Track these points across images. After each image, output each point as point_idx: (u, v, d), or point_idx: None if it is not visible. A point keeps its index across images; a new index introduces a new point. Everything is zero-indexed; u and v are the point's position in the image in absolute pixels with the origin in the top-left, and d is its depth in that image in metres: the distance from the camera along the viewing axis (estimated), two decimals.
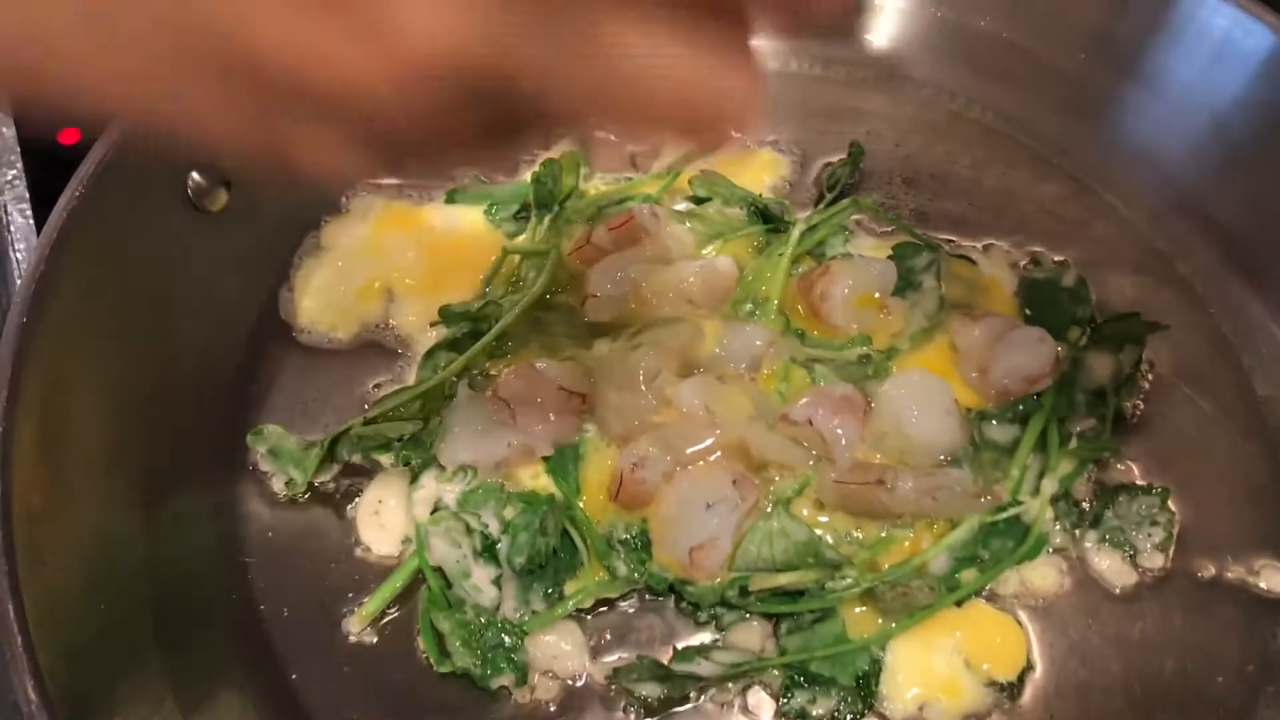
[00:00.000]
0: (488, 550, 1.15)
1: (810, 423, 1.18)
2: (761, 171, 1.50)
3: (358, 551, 1.20)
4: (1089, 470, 1.26)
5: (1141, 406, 1.32)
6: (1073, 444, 1.26)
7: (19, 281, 1.28)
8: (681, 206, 1.44)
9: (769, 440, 1.19)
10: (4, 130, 1.58)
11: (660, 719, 1.11)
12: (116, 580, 1.11)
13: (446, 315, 1.31)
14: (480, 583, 1.13)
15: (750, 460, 1.19)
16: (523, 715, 1.11)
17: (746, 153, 1.52)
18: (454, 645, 1.12)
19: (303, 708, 1.12)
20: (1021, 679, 1.14)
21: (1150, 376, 1.34)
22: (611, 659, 1.14)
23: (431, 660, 1.12)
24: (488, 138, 0.64)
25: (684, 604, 1.16)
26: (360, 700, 1.12)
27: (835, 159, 1.50)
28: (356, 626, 1.15)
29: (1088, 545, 1.22)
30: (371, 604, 1.15)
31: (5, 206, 1.51)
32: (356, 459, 1.24)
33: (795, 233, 1.35)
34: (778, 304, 1.31)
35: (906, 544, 1.18)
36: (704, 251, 1.37)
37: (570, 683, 1.13)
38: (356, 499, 1.23)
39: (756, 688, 1.13)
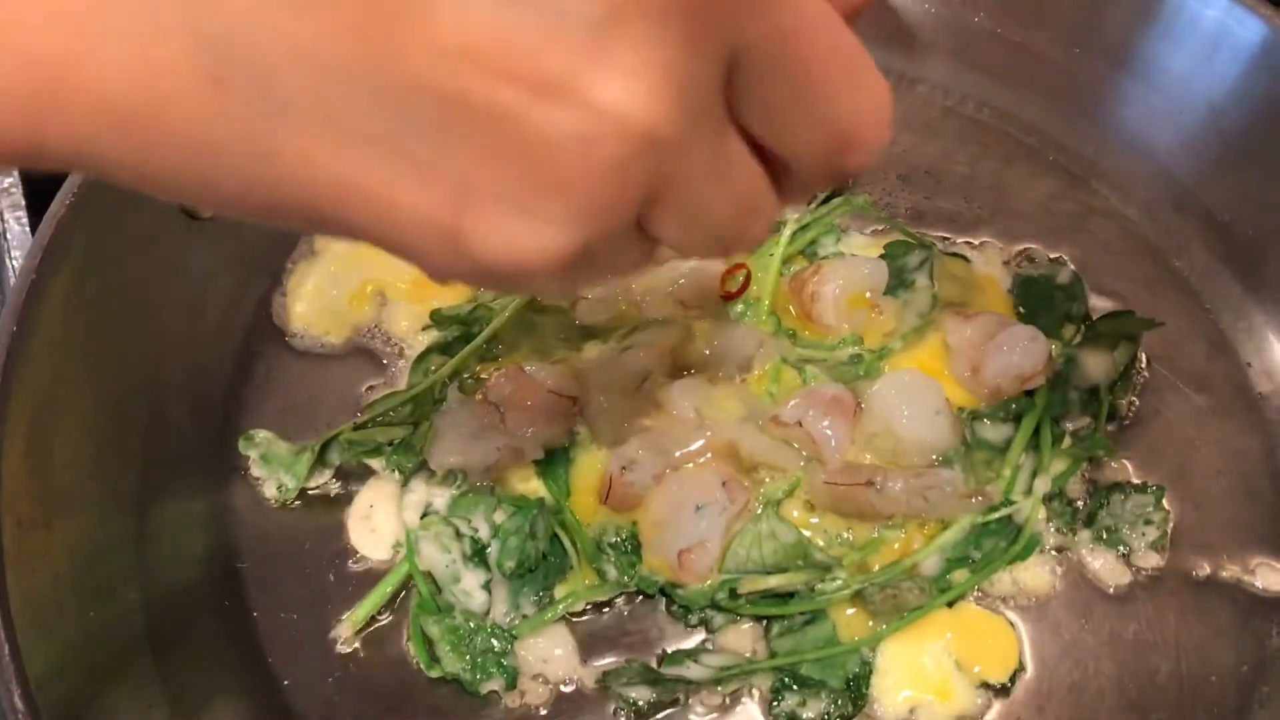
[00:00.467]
0: (477, 555, 1.15)
1: (800, 424, 1.18)
2: None
3: (350, 557, 1.21)
4: (1082, 469, 1.25)
5: (1136, 404, 1.31)
6: (1066, 443, 1.25)
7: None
8: None
9: (759, 442, 1.19)
10: None
11: None
12: (107, 587, 1.11)
13: (437, 319, 1.32)
14: (470, 587, 1.14)
15: (740, 462, 1.19)
16: None
17: None
18: (444, 650, 1.12)
19: (295, 714, 1.13)
20: (1013, 680, 1.14)
21: (1145, 374, 1.33)
22: (602, 662, 1.14)
23: (422, 665, 1.13)
24: None
25: (674, 607, 1.16)
26: (352, 706, 1.13)
27: None
28: (348, 632, 1.16)
29: (1081, 545, 1.21)
30: (362, 609, 1.16)
31: (2, 214, 1.51)
32: (348, 463, 1.24)
33: (786, 232, 1.34)
34: (769, 304, 1.31)
35: (897, 545, 1.17)
36: None
37: (561, 687, 1.13)
38: (348, 504, 1.23)
39: (747, 690, 1.13)
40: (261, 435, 1.24)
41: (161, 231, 1.29)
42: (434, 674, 1.12)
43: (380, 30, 0.42)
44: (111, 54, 0.45)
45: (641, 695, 1.11)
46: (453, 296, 1.35)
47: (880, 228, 1.42)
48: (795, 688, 1.11)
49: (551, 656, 1.14)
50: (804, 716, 1.11)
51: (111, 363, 1.21)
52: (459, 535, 1.15)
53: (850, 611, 1.15)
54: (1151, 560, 1.21)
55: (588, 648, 1.15)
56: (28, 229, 1.49)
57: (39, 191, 1.52)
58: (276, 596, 1.19)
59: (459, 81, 0.43)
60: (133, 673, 1.09)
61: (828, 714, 1.11)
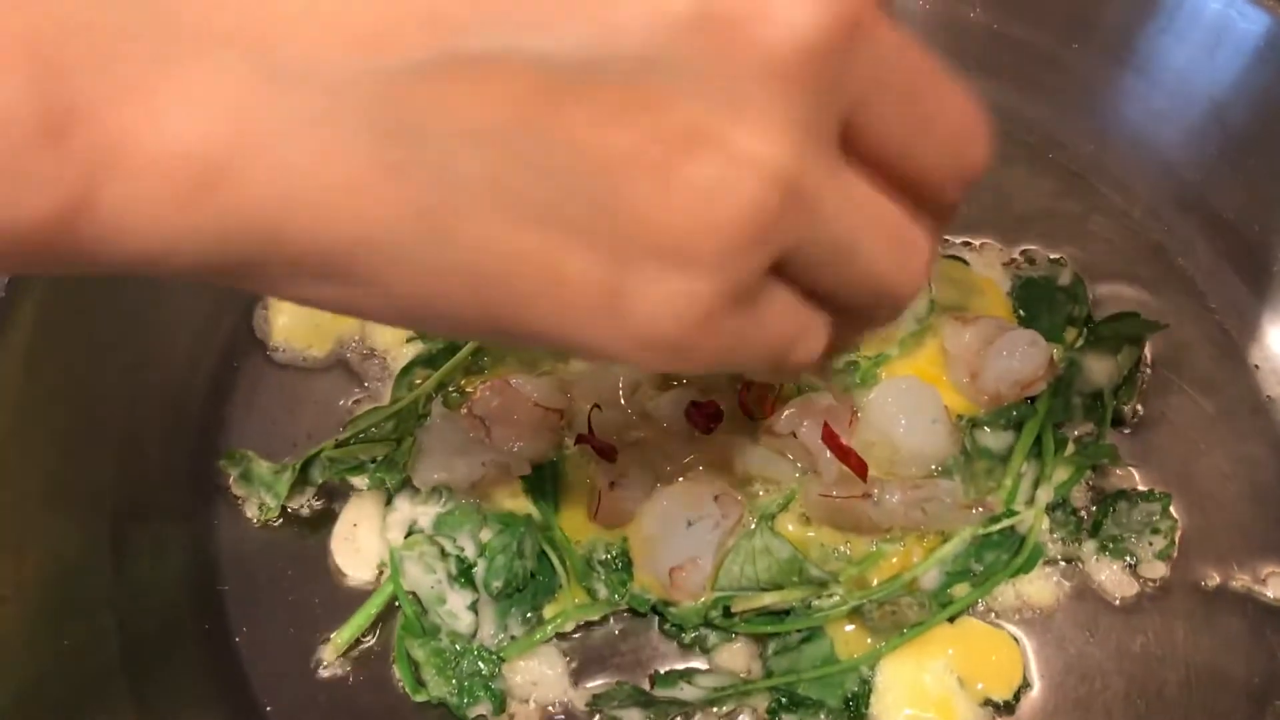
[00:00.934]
0: (464, 574, 1.12)
1: (795, 434, 1.14)
2: None
3: (333, 577, 1.18)
4: (1086, 477, 1.21)
5: (1141, 409, 1.27)
6: (1069, 450, 1.22)
7: None
8: None
9: (752, 454, 1.16)
10: None
11: None
12: (81, 612, 1.08)
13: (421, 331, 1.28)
14: (456, 609, 1.11)
15: (733, 475, 1.16)
16: None
17: None
18: (429, 674, 1.09)
19: None
20: (1018, 697, 1.11)
21: (1149, 378, 1.29)
22: (593, 684, 1.11)
23: (407, 689, 1.09)
24: None
25: (667, 626, 1.13)
26: None
27: None
28: (331, 655, 1.13)
29: (1086, 555, 1.17)
30: (346, 632, 1.12)
31: None
32: (331, 480, 1.21)
33: None
34: None
35: (896, 559, 1.14)
36: None
37: (550, 710, 1.10)
38: (332, 523, 1.20)
39: (743, 711, 1.10)
40: (242, 453, 1.21)
41: None
42: (420, 698, 1.09)
43: (545, 100, 0.45)
44: (287, 151, 0.46)
45: (633, 718, 1.08)
46: None
47: None
48: (792, 708, 1.08)
49: (541, 679, 1.10)
50: None
51: (85, 378, 1.18)
52: (444, 554, 1.12)
53: (848, 628, 1.12)
54: (1158, 570, 1.17)
55: (578, 669, 1.12)
56: None
57: None
58: (258, 619, 1.15)
59: (614, 143, 0.46)
60: (108, 699, 1.06)
61: None
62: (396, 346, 1.31)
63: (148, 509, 1.19)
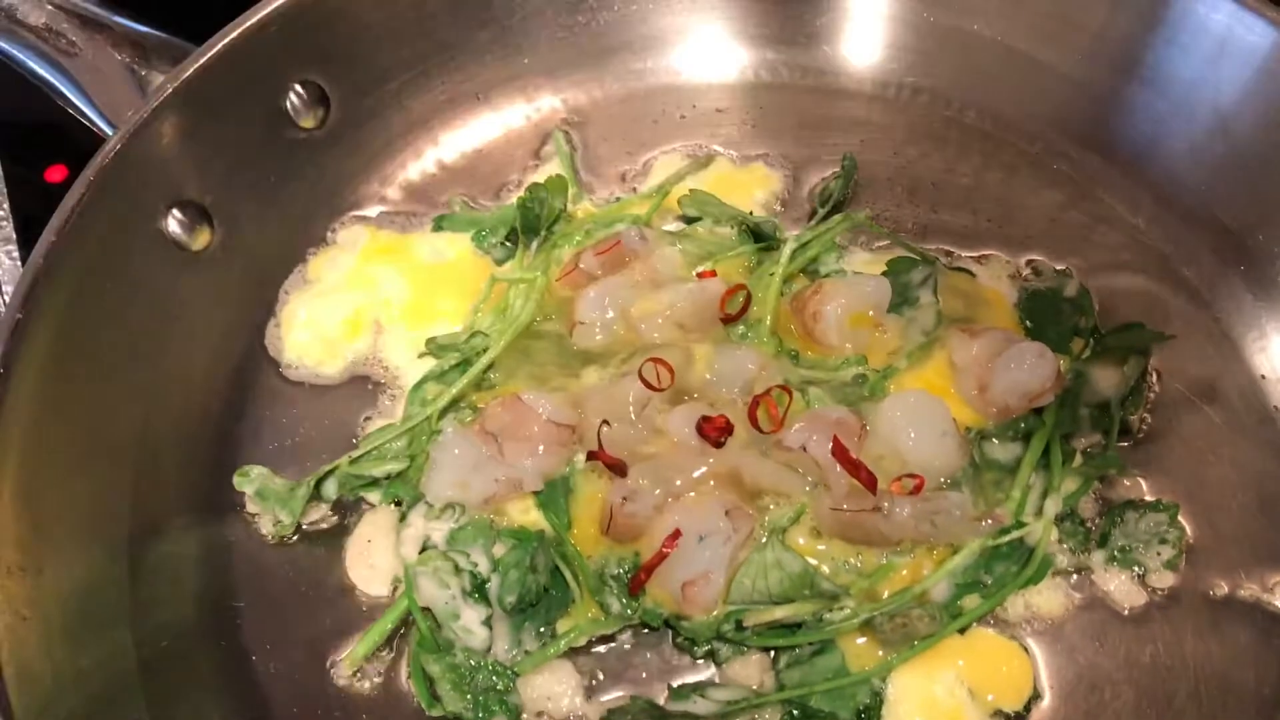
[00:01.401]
0: (477, 590, 1.12)
1: (804, 448, 1.15)
2: (752, 187, 1.46)
3: (348, 593, 1.19)
4: (1094, 488, 1.22)
5: (1148, 419, 1.28)
6: (1077, 461, 1.22)
7: None
8: (671, 227, 1.42)
9: (763, 468, 1.17)
10: None
11: None
12: (99, 630, 1.09)
13: (433, 347, 1.29)
14: (470, 624, 1.11)
15: (744, 489, 1.16)
16: None
17: (737, 169, 1.49)
18: (444, 689, 1.10)
19: None
20: (1028, 708, 1.11)
21: (1156, 388, 1.30)
22: (607, 698, 1.12)
23: (423, 704, 1.10)
24: None
25: (680, 639, 1.14)
26: None
27: (828, 172, 1.47)
28: (347, 670, 1.13)
29: (1095, 566, 1.18)
30: (361, 647, 1.13)
31: None
32: (345, 497, 1.22)
33: (786, 251, 1.32)
34: (770, 325, 1.28)
35: (906, 571, 1.14)
36: (694, 272, 1.34)
37: None
38: (346, 539, 1.21)
39: None
40: (256, 471, 1.22)
41: (153, 264, 1.27)
42: (435, 713, 1.10)
43: None
44: None
45: None
46: (448, 323, 1.33)
47: (882, 243, 1.40)
48: None
49: (554, 693, 1.11)
50: None
51: (102, 403, 1.19)
52: (458, 570, 1.13)
53: (860, 641, 1.12)
54: (1167, 580, 1.18)
55: (592, 683, 1.13)
56: (19, 263, 1.48)
57: (31, 224, 1.51)
58: (273, 635, 1.16)
59: None
60: (126, 715, 1.07)
61: None
62: (409, 362, 1.32)
63: (163, 527, 1.20)
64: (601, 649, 1.15)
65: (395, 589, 1.18)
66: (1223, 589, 1.18)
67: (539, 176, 1.46)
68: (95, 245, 1.20)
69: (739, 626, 1.12)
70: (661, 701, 1.10)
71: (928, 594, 1.13)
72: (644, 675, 1.14)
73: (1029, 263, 1.39)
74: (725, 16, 1.58)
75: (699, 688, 1.10)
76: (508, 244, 1.40)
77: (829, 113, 1.54)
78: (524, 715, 1.10)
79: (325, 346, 1.34)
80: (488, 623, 1.12)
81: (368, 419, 1.29)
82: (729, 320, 1.27)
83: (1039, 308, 1.33)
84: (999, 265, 1.38)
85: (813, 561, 1.13)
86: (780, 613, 1.11)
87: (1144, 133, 1.44)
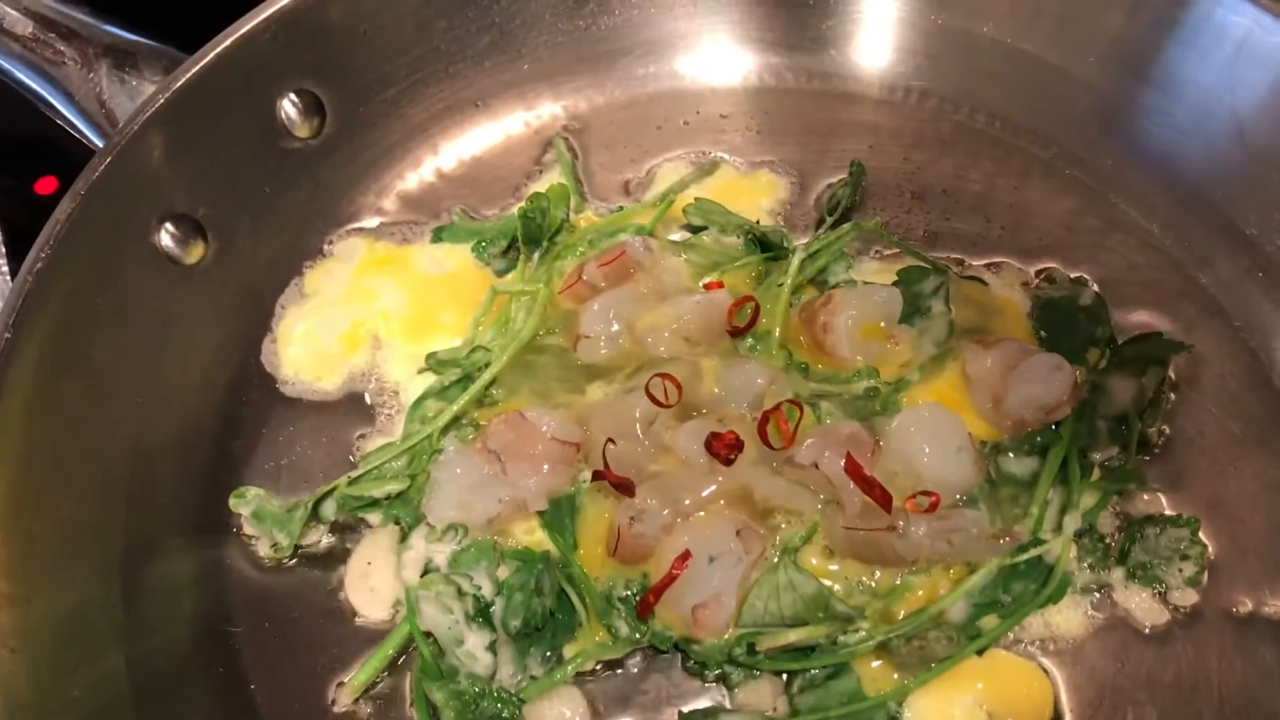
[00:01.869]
0: (481, 614, 1.09)
1: (816, 465, 1.12)
2: (758, 195, 1.43)
3: (348, 617, 1.15)
4: (1113, 503, 1.19)
5: (1167, 432, 1.25)
6: (1095, 475, 1.19)
7: None
8: (676, 236, 1.38)
9: (774, 485, 1.13)
10: None
11: None
12: (90, 658, 1.06)
13: (433, 362, 1.26)
14: (474, 649, 1.08)
15: (755, 507, 1.13)
16: None
17: (742, 176, 1.46)
18: (448, 717, 1.06)
19: None
20: None
21: (1174, 399, 1.26)
22: None
23: None
24: None
25: (690, 663, 1.11)
26: None
27: (836, 179, 1.43)
28: (347, 698, 1.10)
29: (1114, 583, 1.15)
30: (362, 674, 1.10)
31: None
32: (344, 519, 1.19)
33: (795, 261, 1.29)
34: (779, 337, 1.25)
35: (922, 591, 1.11)
36: (700, 283, 1.31)
37: None
38: (346, 561, 1.18)
39: None
40: (253, 492, 1.19)
41: (145, 279, 1.24)
42: None
43: None
44: None
45: None
46: (448, 337, 1.30)
47: (892, 251, 1.37)
48: None
49: None
50: None
51: (94, 422, 1.16)
52: (461, 594, 1.09)
53: (875, 664, 1.09)
54: (1189, 598, 1.15)
55: (600, 709, 1.10)
56: (8, 278, 1.45)
57: (20, 235, 1.48)
58: (271, 661, 1.13)
59: None
60: None
61: None
62: (408, 378, 1.29)
63: (157, 550, 1.17)
64: (609, 674, 1.12)
65: (396, 613, 1.15)
66: (1246, 606, 1.15)
67: (540, 185, 1.43)
68: (86, 260, 1.17)
69: (751, 650, 1.09)
70: None
71: (944, 615, 1.10)
72: (653, 700, 1.11)
73: (1042, 271, 1.36)
74: (729, 20, 1.55)
75: (710, 713, 1.07)
76: (509, 255, 1.37)
77: (836, 118, 1.51)
78: None
79: (322, 362, 1.30)
80: (492, 648, 1.08)
81: (365, 437, 1.26)
82: (737, 333, 1.24)
83: (1054, 317, 1.30)
84: (1012, 274, 1.35)
85: (826, 582, 1.10)
86: (794, 636, 1.08)
87: (1159, 138, 1.41)
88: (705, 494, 1.12)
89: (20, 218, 1.51)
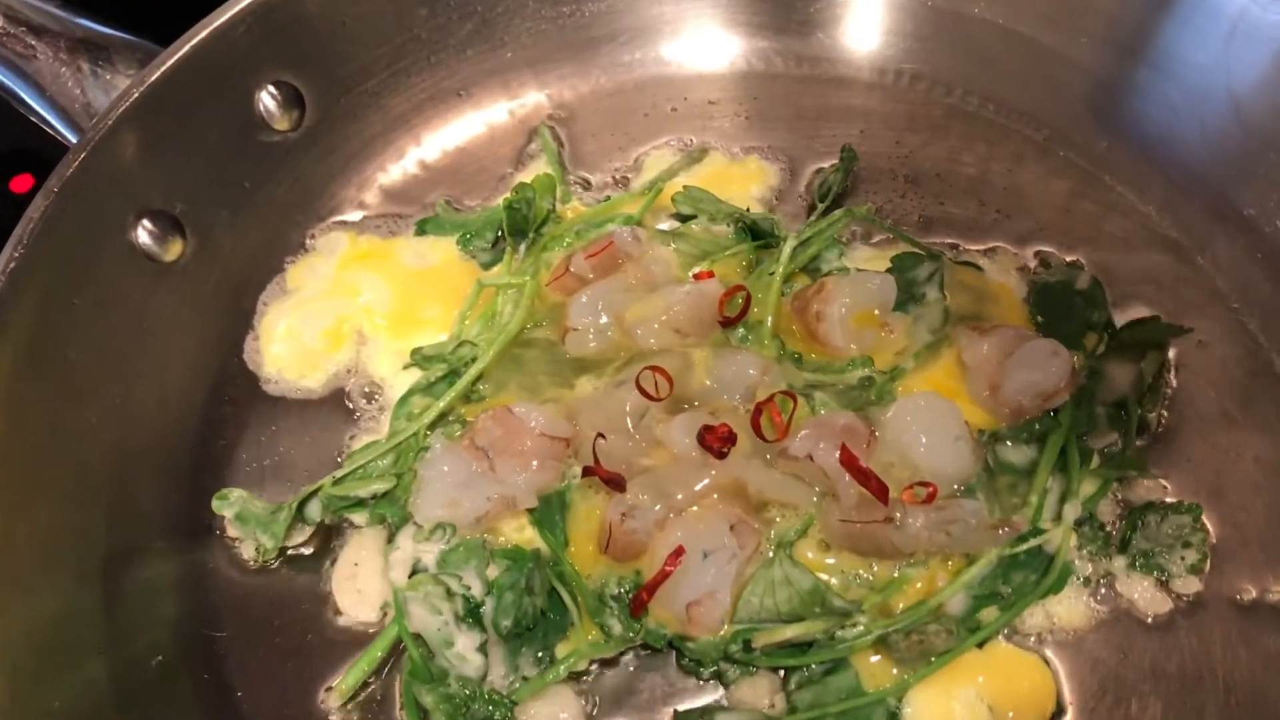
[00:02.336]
0: (471, 615, 1.07)
1: (811, 457, 1.10)
2: (748, 182, 1.41)
3: (336, 619, 1.13)
4: (1113, 490, 1.17)
5: (1167, 417, 1.23)
6: (1095, 462, 1.17)
7: None
8: (665, 226, 1.36)
9: (768, 478, 1.11)
10: None
11: None
12: (71, 668, 1.04)
13: (419, 358, 1.24)
14: (464, 651, 1.06)
15: (748, 501, 1.11)
16: None
17: (732, 163, 1.43)
18: None
19: None
20: None
21: (1174, 384, 1.24)
22: None
23: None
24: None
25: (685, 661, 1.09)
26: None
27: (827, 165, 1.41)
28: (335, 702, 1.08)
29: (1116, 572, 1.13)
30: (351, 677, 1.08)
31: None
32: (329, 519, 1.17)
33: (786, 249, 1.26)
34: (771, 327, 1.22)
35: (920, 584, 1.09)
36: (690, 273, 1.28)
37: None
38: (332, 563, 1.16)
39: None
40: (236, 493, 1.16)
41: (123, 277, 1.22)
42: None
43: None
44: None
45: None
46: (434, 332, 1.28)
47: (885, 237, 1.34)
48: None
49: None
50: None
51: (72, 421, 1.14)
52: (450, 594, 1.07)
53: (874, 659, 1.07)
54: (1192, 586, 1.13)
55: (594, 709, 1.07)
56: None
57: None
58: (257, 666, 1.11)
59: None
60: None
61: None
62: (394, 374, 1.26)
63: (139, 554, 1.14)
64: (603, 673, 1.09)
65: (385, 615, 1.12)
66: (1250, 593, 1.13)
67: (525, 175, 1.41)
68: (62, 259, 1.14)
69: (747, 647, 1.06)
70: None
71: (943, 607, 1.08)
72: (648, 700, 1.08)
73: (1038, 255, 1.33)
74: (716, 4, 1.53)
75: (706, 712, 1.05)
76: (495, 247, 1.35)
77: (826, 102, 1.49)
78: None
79: (306, 359, 1.28)
80: (483, 649, 1.06)
81: (352, 436, 1.24)
82: (728, 323, 1.22)
83: (1050, 302, 1.28)
84: (1007, 258, 1.33)
85: (823, 576, 1.08)
86: (790, 631, 1.06)
87: (1155, 118, 1.38)
88: (698, 488, 1.10)
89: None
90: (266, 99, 1.35)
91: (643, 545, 1.09)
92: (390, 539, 1.13)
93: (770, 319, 1.23)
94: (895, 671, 1.07)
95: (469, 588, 1.08)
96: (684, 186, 1.36)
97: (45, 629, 1.03)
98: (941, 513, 1.08)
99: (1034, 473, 1.15)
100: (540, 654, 1.07)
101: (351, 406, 1.25)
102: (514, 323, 1.22)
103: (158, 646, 1.10)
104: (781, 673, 1.08)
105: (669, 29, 1.53)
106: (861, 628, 1.06)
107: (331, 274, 1.34)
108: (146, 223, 1.24)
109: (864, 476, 1.07)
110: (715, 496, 1.11)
